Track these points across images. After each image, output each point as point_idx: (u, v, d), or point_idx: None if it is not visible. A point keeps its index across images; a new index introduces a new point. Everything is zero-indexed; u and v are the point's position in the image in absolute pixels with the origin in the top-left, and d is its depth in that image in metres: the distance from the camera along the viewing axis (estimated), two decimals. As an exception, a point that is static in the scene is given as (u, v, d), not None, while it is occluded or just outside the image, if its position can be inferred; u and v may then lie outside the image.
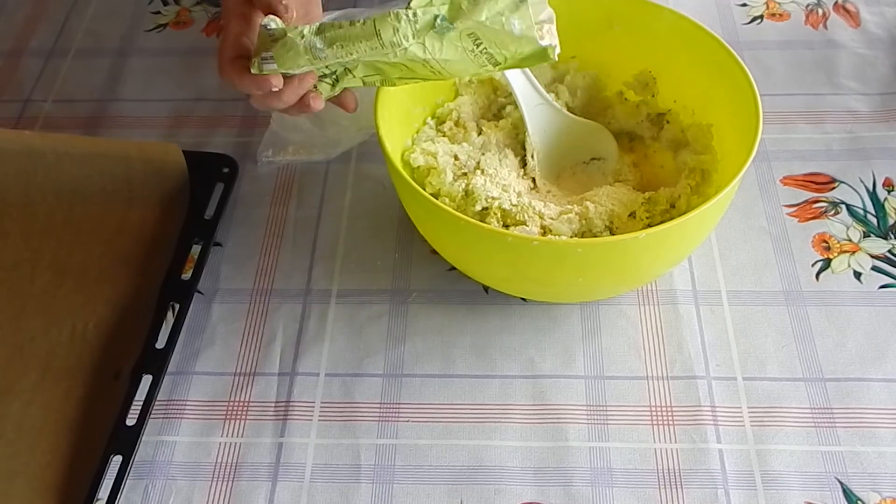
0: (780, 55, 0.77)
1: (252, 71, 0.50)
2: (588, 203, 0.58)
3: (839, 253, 0.63)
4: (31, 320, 0.61)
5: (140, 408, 0.55)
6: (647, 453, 0.54)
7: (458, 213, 0.52)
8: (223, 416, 0.57)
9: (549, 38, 0.51)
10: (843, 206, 0.66)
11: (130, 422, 0.55)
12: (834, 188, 0.67)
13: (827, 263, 0.63)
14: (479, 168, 0.61)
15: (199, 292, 0.63)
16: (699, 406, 0.56)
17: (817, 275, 0.62)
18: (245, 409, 0.58)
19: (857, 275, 0.62)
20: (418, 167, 0.62)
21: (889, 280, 0.61)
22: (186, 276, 0.62)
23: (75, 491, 0.53)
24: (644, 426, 0.55)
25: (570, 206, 0.59)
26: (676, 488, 0.53)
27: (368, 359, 0.59)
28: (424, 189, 0.56)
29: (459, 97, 0.66)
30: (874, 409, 0.55)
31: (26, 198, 0.66)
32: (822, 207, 0.66)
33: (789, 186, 0.67)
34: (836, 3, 0.82)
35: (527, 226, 0.57)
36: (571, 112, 0.64)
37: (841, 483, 0.53)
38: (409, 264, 0.64)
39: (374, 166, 0.70)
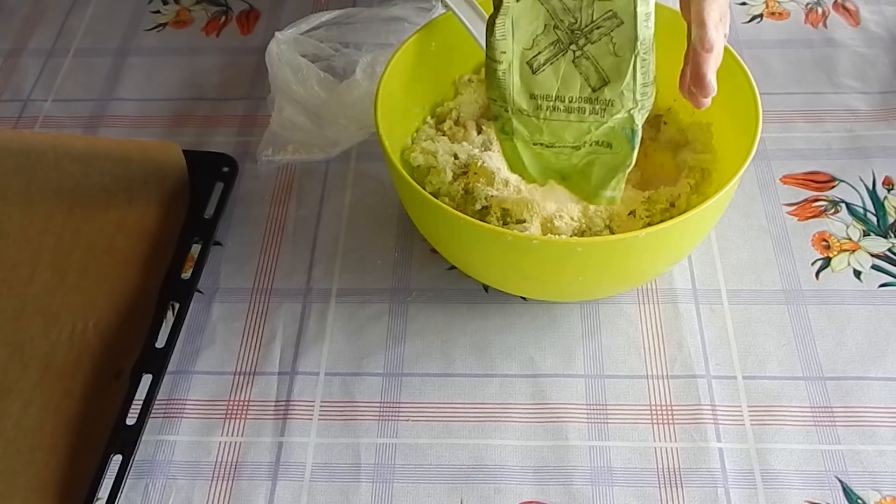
0: (779, 54, 0.77)
1: None
2: (588, 202, 0.58)
3: (839, 252, 0.63)
4: (31, 320, 0.61)
5: (140, 407, 0.55)
6: (647, 452, 0.54)
7: (457, 213, 0.52)
8: (223, 416, 0.57)
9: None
10: (843, 205, 0.66)
11: (130, 421, 0.55)
12: (834, 187, 0.67)
13: (827, 262, 0.63)
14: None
15: (199, 291, 0.63)
16: (699, 405, 0.56)
17: (817, 273, 0.62)
18: (245, 408, 0.58)
19: (857, 273, 0.62)
20: (418, 166, 0.62)
21: (889, 279, 0.61)
22: (186, 275, 0.62)
23: (75, 490, 0.53)
24: (644, 425, 0.55)
25: (569, 205, 0.58)
26: (676, 487, 0.53)
27: (368, 358, 0.59)
28: (424, 188, 0.56)
29: (459, 96, 0.66)
30: (874, 408, 0.55)
31: (26, 197, 0.66)
32: (821, 206, 0.66)
33: (789, 185, 0.67)
34: (835, 1, 0.82)
35: (527, 224, 0.57)
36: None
37: (841, 482, 0.53)
38: (408, 263, 0.64)
39: (374, 165, 0.70)
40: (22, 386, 0.58)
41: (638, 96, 0.51)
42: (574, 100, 0.52)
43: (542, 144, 0.54)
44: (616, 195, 0.55)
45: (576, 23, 0.50)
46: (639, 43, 0.50)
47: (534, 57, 0.52)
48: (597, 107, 0.51)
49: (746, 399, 0.56)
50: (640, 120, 0.52)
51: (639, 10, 0.49)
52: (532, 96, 0.53)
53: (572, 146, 0.54)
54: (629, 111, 0.51)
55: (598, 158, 0.54)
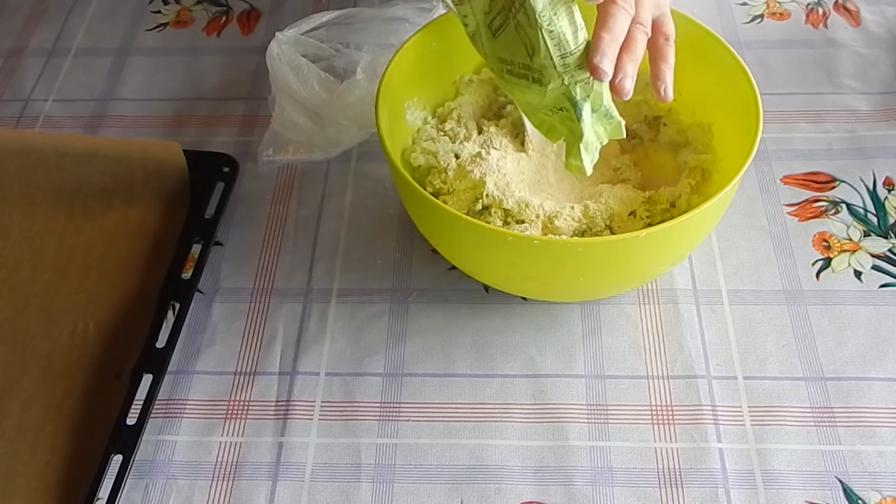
0: (780, 54, 0.77)
1: None
2: (588, 202, 0.58)
3: (839, 252, 0.63)
4: (32, 320, 0.61)
5: (140, 407, 0.55)
6: (647, 452, 0.54)
7: (458, 213, 0.52)
8: (224, 416, 0.57)
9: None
10: (844, 206, 0.66)
11: (131, 421, 0.55)
12: (834, 187, 0.67)
13: (827, 262, 0.63)
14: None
15: (200, 291, 0.63)
16: (699, 405, 0.56)
17: (818, 274, 0.62)
18: (245, 408, 0.58)
19: (858, 274, 0.62)
20: (419, 166, 0.62)
21: (889, 279, 0.61)
22: (187, 275, 0.62)
23: (76, 490, 0.53)
24: (644, 425, 0.55)
25: (570, 205, 0.59)
26: (677, 487, 0.53)
27: (369, 358, 0.59)
28: (425, 188, 0.56)
29: (460, 96, 0.66)
30: (875, 409, 0.55)
31: (27, 197, 0.66)
32: (822, 206, 0.66)
33: (790, 185, 0.67)
34: (836, 2, 0.82)
35: (527, 225, 0.57)
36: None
37: (841, 482, 0.53)
38: (409, 263, 0.64)
39: (375, 165, 0.70)
40: (23, 386, 0.58)
41: (559, 69, 0.49)
42: (521, 66, 0.51)
43: (528, 103, 0.54)
44: (577, 164, 0.54)
45: None
46: (538, 15, 0.48)
47: (491, 21, 0.51)
48: (534, 75, 0.51)
49: (747, 399, 0.56)
50: (578, 92, 0.50)
51: None
52: (499, 59, 0.53)
53: (549, 108, 0.52)
54: (563, 83, 0.50)
55: (569, 125, 0.53)
